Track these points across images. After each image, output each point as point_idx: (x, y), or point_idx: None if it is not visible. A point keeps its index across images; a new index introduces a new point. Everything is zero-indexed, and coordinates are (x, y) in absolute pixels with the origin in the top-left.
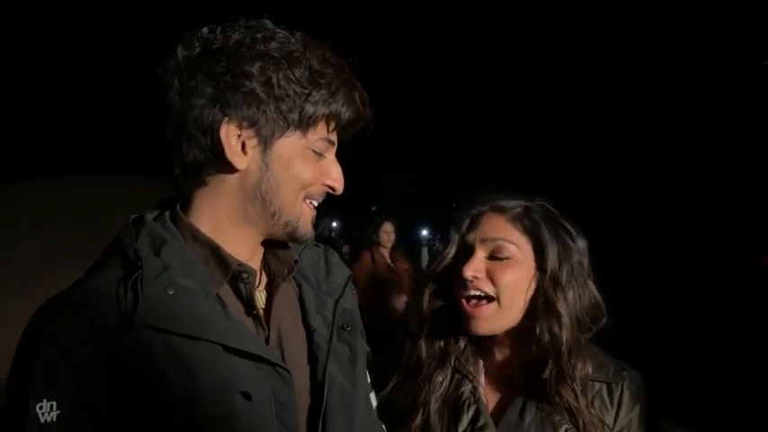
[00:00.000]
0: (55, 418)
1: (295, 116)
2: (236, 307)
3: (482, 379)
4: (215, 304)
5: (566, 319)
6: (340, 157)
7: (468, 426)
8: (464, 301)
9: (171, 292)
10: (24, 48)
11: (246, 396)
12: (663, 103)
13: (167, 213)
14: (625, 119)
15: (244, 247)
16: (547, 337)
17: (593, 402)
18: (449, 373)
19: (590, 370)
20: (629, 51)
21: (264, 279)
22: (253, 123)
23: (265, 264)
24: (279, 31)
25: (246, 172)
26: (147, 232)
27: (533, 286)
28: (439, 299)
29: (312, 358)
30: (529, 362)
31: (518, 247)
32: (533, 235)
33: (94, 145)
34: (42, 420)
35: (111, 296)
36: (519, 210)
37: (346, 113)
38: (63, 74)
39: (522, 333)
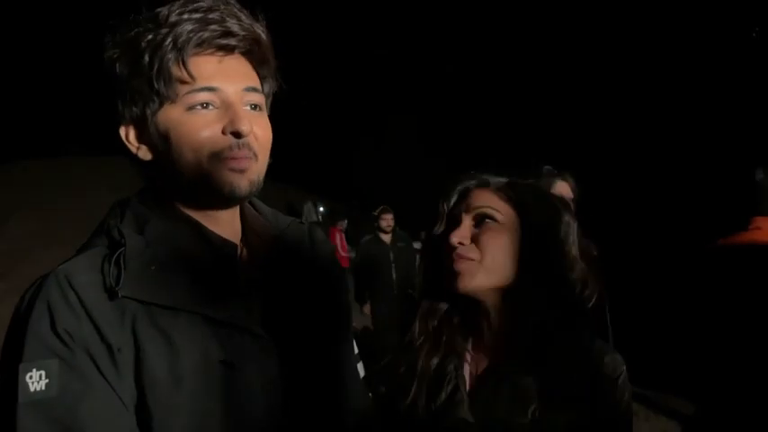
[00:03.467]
0: (44, 387)
1: (149, 90)
2: (217, 280)
3: (469, 354)
4: (196, 277)
5: (553, 284)
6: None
7: (445, 400)
8: (449, 265)
9: (153, 267)
10: (9, 31)
11: (229, 365)
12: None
13: (151, 195)
14: (592, 101)
15: (219, 221)
16: (533, 304)
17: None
18: (440, 348)
19: (582, 343)
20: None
21: (246, 253)
22: (131, 116)
23: (246, 239)
24: (139, 16)
25: (156, 161)
26: (131, 213)
27: (520, 253)
28: (432, 275)
29: (296, 328)
30: (519, 330)
31: (502, 214)
32: (518, 203)
33: (81, 126)
34: (32, 389)
35: (97, 271)
36: (504, 182)
37: (198, 49)
38: (47, 56)
39: (511, 300)
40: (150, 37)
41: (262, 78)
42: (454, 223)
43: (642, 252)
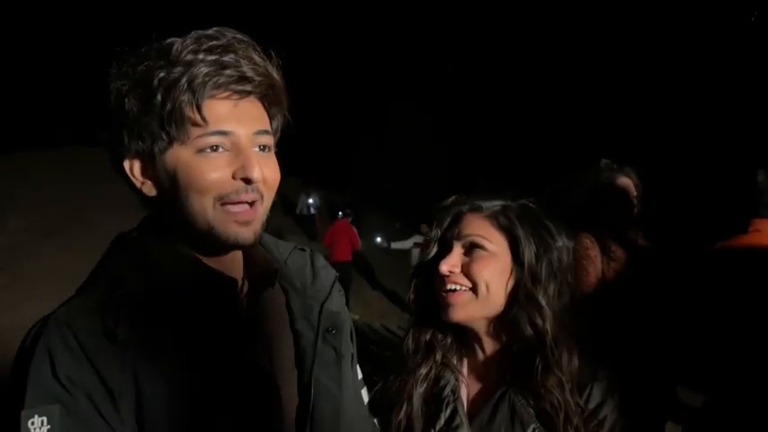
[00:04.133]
0: None
1: (159, 129)
2: (218, 315)
3: (464, 375)
4: (197, 316)
5: (547, 311)
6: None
7: (444, 424)
8: (441, 293)
9: (153, 308)
10: (8, 22)
11: (231, 402)
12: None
13: (153, 229)
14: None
15: (221, 258)
16: (529, 330)
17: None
18: (432, 367)
19: (576, 363)
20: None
21: (246, 288)
22: (139, 152)
23: (248, 273)
24: (150, 48)
25: (159, 198)
26: (131, 249)
27: (512, 281)
28: (424, 295)
29: (299, 362)
30: (513, 355)
31: (493, 242)
32: (509, 231)
33: (80, 117)
34: None
35: (96, 314)
36: (496, 208)
37: (213, 92)
38: (45, 47)
39: (504, 327)
40: (163, 75)
41: (271, 117)
42: (445, 249)
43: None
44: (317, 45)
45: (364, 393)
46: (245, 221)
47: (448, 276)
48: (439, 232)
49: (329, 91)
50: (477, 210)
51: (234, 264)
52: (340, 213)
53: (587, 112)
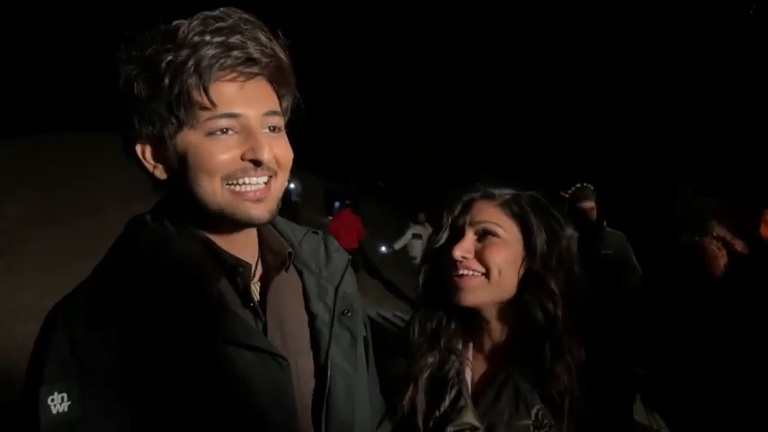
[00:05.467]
0: (66, 409)
1: (168, 113)
2: (232, 300)
3: (470, 359)
4: (211, 298)
5: (559, 298)
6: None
7: (449, 406)
8: (454, 277)
9: (168, 289)
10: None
11: (245, 385)
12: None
13: (166, 212)
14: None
15: (234, 242)
16: (540, 315)
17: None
18: (438, 351)
19: (583, 355)
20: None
21: (260, 271)
22: (150, 136)
23: (262, 256)
24: (157, 30)
25: (171, 180)
26: (145, 233)
27: (524, 268)
28: (433, 280)
29: (315, 344)
30: (521, 340)
31: (505, 230)
32: (521, 219)
33: (80, 102)
34: (54, 411)
35: (114, 295)
36: (508, 197)
37: (219, 74)
38: (46, 31)
39: (513, 313)
40: (170, 58)
41: (281, 98)
42: (457, 235)
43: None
44: (317, 44)
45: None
46: (258, 198)
47: (461, 262)
48: (450, 219)
49: (330, 90)
50: (489, 197)
51: (248, 247)
52: (337, 204)
53: (588, 113)
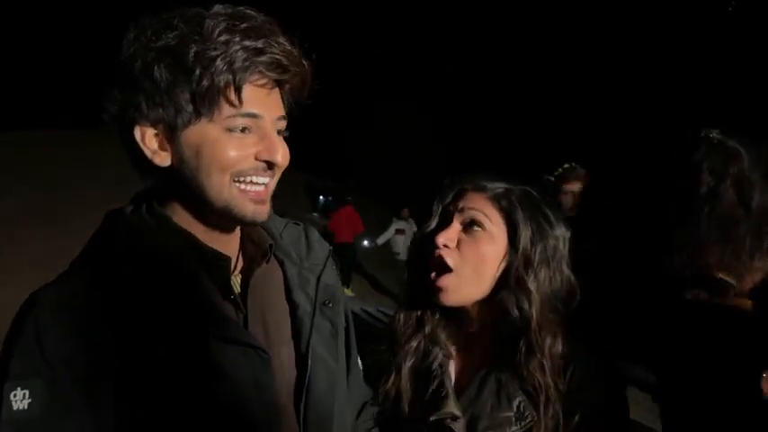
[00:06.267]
0: (26, 407)
1: (188, 103)
2: (213, 293)
3: (452, 350)
4: (191, 293)
5: (535, 296)
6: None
7: (431, 396)
8: (431, 273)
9: (147, 284)
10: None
11: (227, 379)
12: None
13: (144, 206)
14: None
15: (217, 236)
16: (516, 312)
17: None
18: (422, 341)
19: (560, 348)
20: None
21: (241, 263)
22: (158, 120)
23: (244, 249)
24: (175, 16)
25: (173, 169)
26: (123, 226)
27: (504, 264)
28: (420, 268)
29: (296, 334)
30: (499, 336)
31: (492, 222)
32: (508, 214)
33: (80, 100)
34: (15, 407)
35: (89, 291)
36: (500, 190)
37: (247, 78)
38: (46, 29)
39: (492, 308)
40: (198, 50)
41: (285, 103)
42: (445, 222)
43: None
44: (316, 43)
45: (359, 362)
46: (261, 200)
47: (440, 249)
48: (440, 207)
49: (329, 89)
50: (480, 189)
51: (230, 242)
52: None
53: (586, 111)
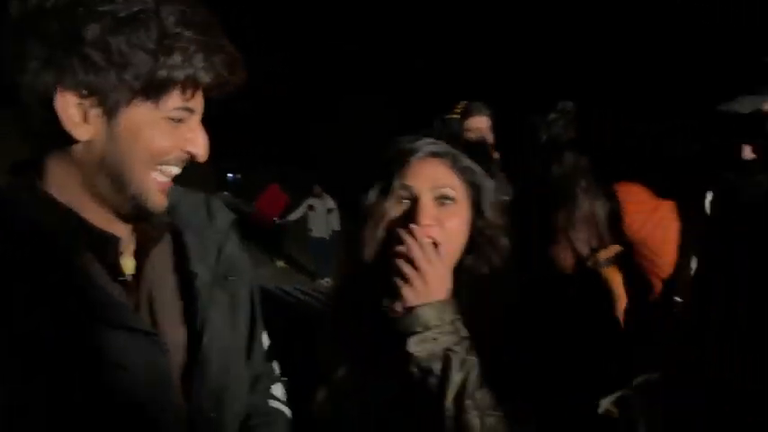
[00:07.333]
0: None
1: (142, 85)
2: (99, 275)
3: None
4: (72, 274)
5: (507, 245)
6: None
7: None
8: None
9: (27, 265)
10: None
11: (115, 364)
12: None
13: (21, 181)
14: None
15: (108, 216)
16: (486, 269)
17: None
18: (362, 326)
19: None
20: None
21: (135, 243)
22: (93, 92)
23: (136, 227)
24: None
25: (91, 143)
26: None
27: (469, 227)
28: (367, 252)
29: (191, 307)
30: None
31: (457, 191)
32: (468, 178)
33: None
34: None
35: None
36: (452, 155)
37: (205, 78)
38: None
39: (461, 281)
40: (159, 35)
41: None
42: (411, 200)
43: None
44: (284, 38)
45: (265, 338)
46: (164, 191)
47: (425, 229)
48: (399, 182)
49: (297, 84)
50: (435, 156)
51: (119, 220)
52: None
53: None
